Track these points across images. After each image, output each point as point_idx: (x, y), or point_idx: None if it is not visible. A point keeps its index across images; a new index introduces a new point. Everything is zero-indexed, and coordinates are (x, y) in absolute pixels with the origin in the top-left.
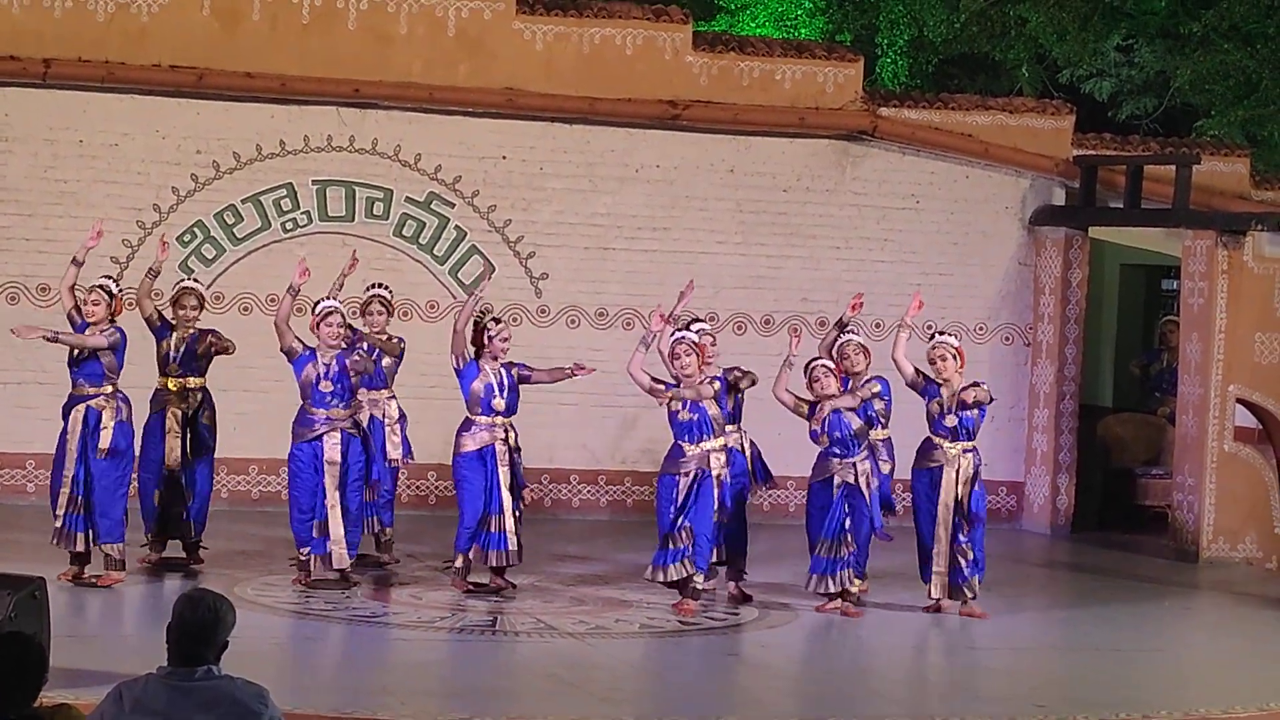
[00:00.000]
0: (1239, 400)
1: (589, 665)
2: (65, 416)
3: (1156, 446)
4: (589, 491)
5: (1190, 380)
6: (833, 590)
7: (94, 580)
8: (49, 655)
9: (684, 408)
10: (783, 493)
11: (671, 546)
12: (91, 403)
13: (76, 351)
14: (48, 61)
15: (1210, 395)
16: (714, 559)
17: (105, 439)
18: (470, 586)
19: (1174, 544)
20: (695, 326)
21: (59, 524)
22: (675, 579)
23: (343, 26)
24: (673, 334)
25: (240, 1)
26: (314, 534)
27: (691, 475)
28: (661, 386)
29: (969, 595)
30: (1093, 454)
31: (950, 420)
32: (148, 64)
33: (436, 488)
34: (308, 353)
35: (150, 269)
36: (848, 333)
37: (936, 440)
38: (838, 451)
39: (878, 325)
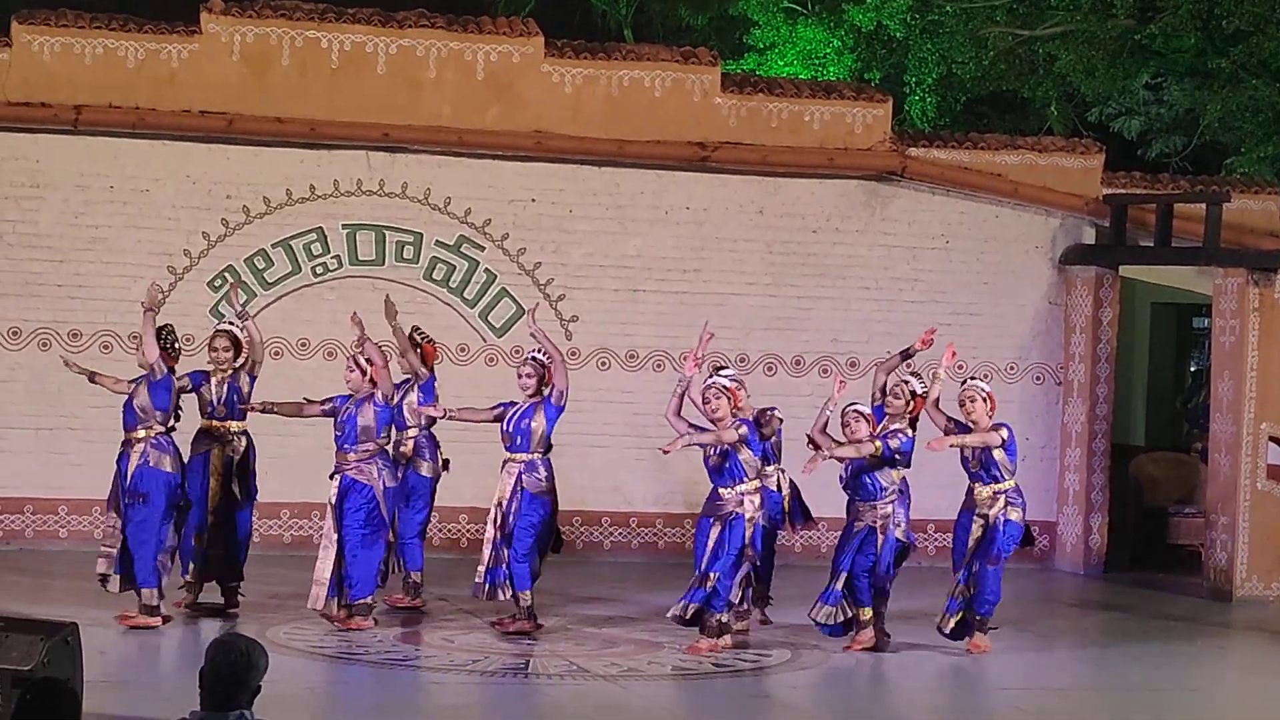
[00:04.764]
0: (1271, 438)
1: (621, 707)
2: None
3: (1189, 485)
4: (621, 534)
5: (1222, 418)
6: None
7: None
8: (82, 700)
9: (714, 453)
10: (815, 534)
11: (697, 587)
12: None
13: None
14: (78, 108)
15: (1243, 433)
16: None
17: None
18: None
19: (1207, 583)
20: (725, 372)
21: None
22: (691, 618)
23: (372, 71)
24: (706, 379)
25: (269, 47)
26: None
27: (724, 518)
28: (693, 432)
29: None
30: (1125, 493)
31: (975, 464)
32: (178, 110)
33: (468, 530)
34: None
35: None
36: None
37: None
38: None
39: (907, 365)
